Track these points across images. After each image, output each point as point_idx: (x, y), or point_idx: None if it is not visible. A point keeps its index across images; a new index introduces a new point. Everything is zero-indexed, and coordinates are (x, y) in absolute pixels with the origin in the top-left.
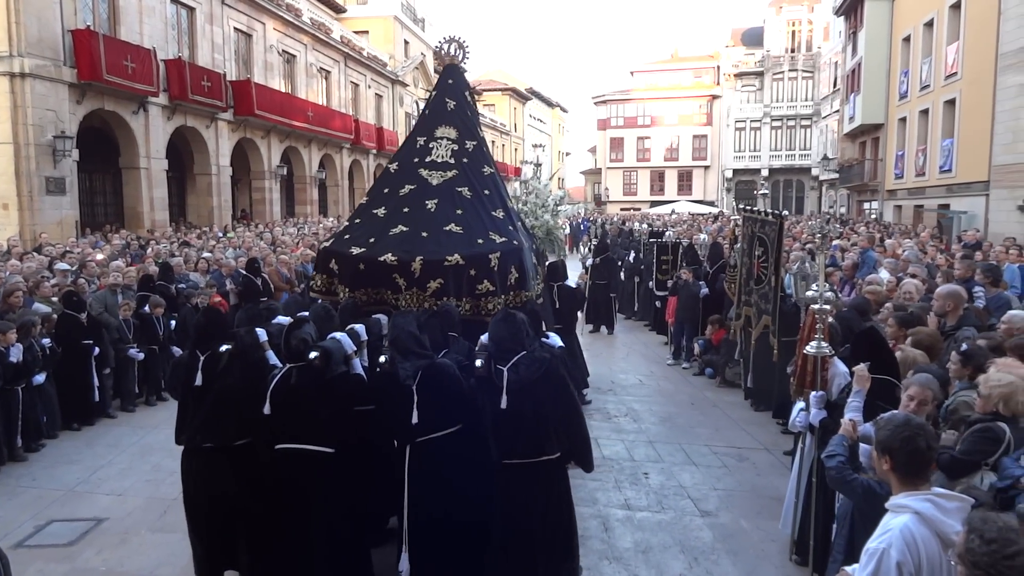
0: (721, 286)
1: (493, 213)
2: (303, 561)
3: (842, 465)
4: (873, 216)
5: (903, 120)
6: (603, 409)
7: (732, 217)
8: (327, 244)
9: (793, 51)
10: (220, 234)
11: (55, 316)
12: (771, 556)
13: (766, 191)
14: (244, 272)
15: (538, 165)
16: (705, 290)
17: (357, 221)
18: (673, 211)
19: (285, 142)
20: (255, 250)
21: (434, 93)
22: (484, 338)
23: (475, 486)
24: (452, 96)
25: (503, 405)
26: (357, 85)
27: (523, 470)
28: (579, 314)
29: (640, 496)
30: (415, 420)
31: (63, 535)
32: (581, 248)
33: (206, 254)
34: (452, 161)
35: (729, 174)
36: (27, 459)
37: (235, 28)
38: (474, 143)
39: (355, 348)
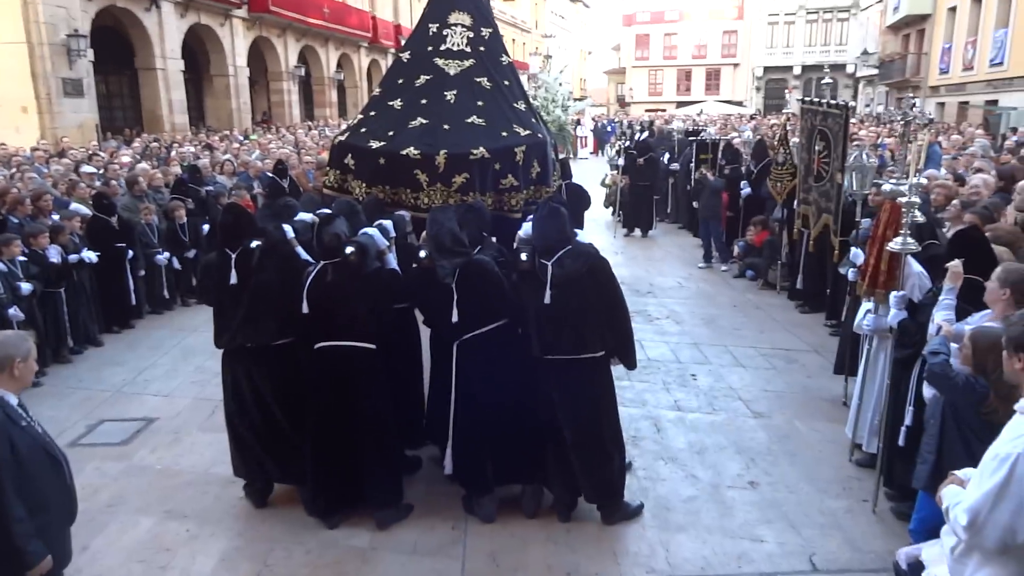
0: (765, 186)
1: (515, 105)
2: (342, 460)
3: (946, 362)
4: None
5: (953, 10)
6: (644, 311)
7: (785, 111)
8: (342, 138)
9: None
10: (241, 138)
11: (86, 217)
12: (829, 457)
13: (797, 84)
14: (271, 174)
15: (547, 57)
16: (747, 189)
17: (372, 114)
18: (701, 111)
19: (302, 41)
20: (279, 152)
21: None
22: (524, 232)
23: (519, 381)
24: None
25: (546, 300)
26: None
27: (565, 366)
28: (614, 216)
29: (690, 397)
30: (454, 318)
31: (115, 434)
32: (609, 150)
33: (228, 156)
34: (468, 50)
35: (759, 72)
36: (72, 361)
37: None
38: (490, 30)
39: (387, 244)
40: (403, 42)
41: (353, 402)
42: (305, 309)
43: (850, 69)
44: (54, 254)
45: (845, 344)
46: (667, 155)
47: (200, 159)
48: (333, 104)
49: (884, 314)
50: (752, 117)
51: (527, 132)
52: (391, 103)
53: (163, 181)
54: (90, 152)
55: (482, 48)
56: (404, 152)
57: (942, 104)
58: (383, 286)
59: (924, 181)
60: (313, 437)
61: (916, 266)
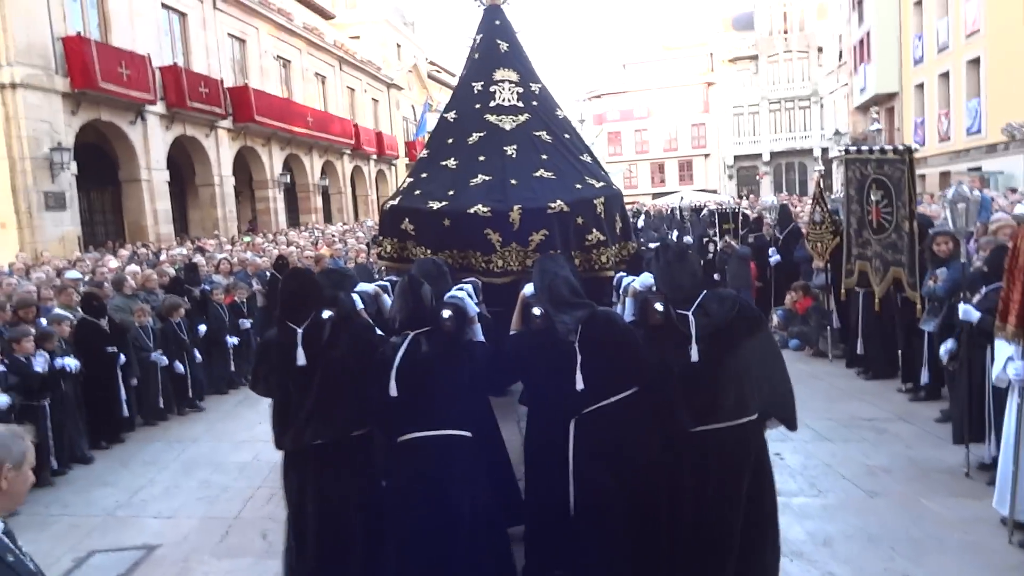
0: (799, 251)
1: (580, 157)
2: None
3: None
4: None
5: (920, 86)
6: None
7: (816, 169)
8: (394, 202)
9: (786, 32)
10: (228, 246)
11: (74, 321)
12: (984, 541)
13: (767, 171)
14: (271, 272)
15: None
16: (776, 257)
17: (424, 176)
18: (682, 198)
19: (286, 149)
20: (275, 251)
21: (480, 36)
22: (642, 284)
23: (654, 464)
24: (503, 38)
25: (694, 357)
26: (353, 90)
27: (723, 437)
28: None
29: (785, 479)
30: (579, 385)
31: (110, 568)
32: None
33: (224, 255)
34: (521, 104)
35: (730, 161)
36: (54, 483)
37: (228, 33)
38: (539, 85)
39: (476, 310)
40: (383, 148)
41: (450, 503)
42: (394, 391)
43: (816, 153)
44: (40, 363)
45: (961, 406)
46: (675, 232)
47: (194, 259)
48: (318, 210)
49: None
50: (745, 197)
51: (601, 184)
52: (444, 163)
53: (157, 283)
54: (74, 260)
55: (535, 103)
56: (472, 210)
57: (922, 176)
58: (485, 358)
59: None
60: (401, 550)
61: None
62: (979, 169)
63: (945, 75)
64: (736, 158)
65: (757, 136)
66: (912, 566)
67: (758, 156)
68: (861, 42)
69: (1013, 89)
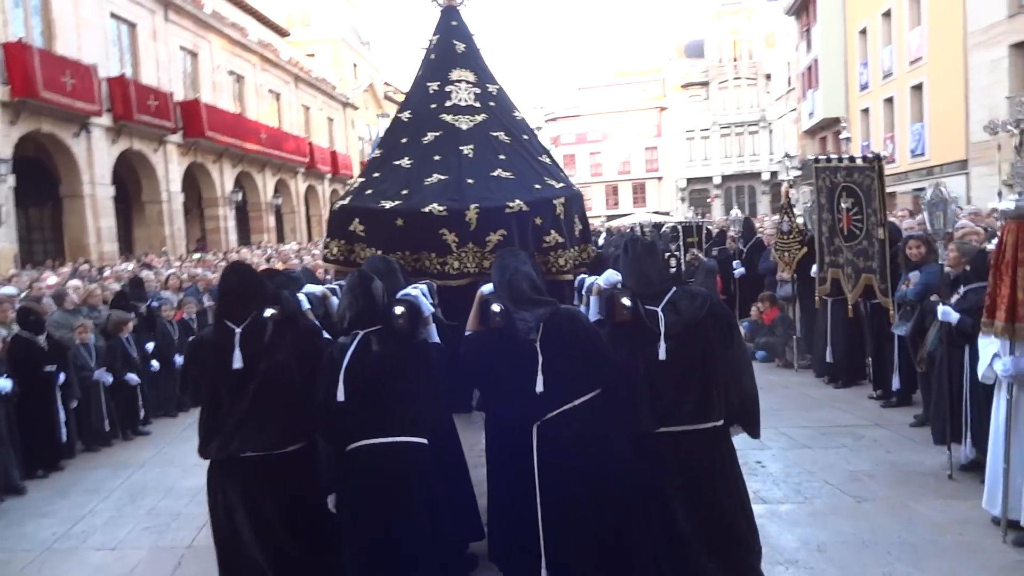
0: (763, 263)
1: (539, 159)
2: None
3: None
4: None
5: (865, 111)
6: None
7: (784, 179)
8: (344, 202)
9: (735, 60)
10: (177, 263)
11: (8, 338)
12: (978, 543)
13: (719, 193)
14: None
15: None
16: (741, 269)
17: (376, 175)
18: (637, 221)
19: (238, 167)
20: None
21: (436, 37)
22: (606, 280)
23: (626, 470)
24: (460, 39)
25: (661, 355)
26: (308, 108)
27: (686, 440)
28: None
29: (769, 487)
30: (539, 388)
31: None
32: None
33: (173, 270)
34: (478, 105)
35: (682, 183)
36: None
37: (180, 46)
38: (496, 87)
39: (431, 310)
40: (338, 167)
41: (405, 516)
42: (341, 396)
43: (765, 176)
44: None
45: (941, 407)
46: None
47: (140, 274)
48: (271, 229)
49: None
50: (701, 217)
51: (561, 185)
52: (397, 162)
53: (100, 298)
54: (9, 277)
55: (492, 103)
56: (427, 209)
57: None
58: (439, 359)
59: None
60: (353, 566)
61: None
62: (923, 190)
63: (890, 100)
64: (688, 181)
65: (708, 160)
66: (912, 570)
67: (709, 179)
68: (809, 69)
69: (954, 113)
